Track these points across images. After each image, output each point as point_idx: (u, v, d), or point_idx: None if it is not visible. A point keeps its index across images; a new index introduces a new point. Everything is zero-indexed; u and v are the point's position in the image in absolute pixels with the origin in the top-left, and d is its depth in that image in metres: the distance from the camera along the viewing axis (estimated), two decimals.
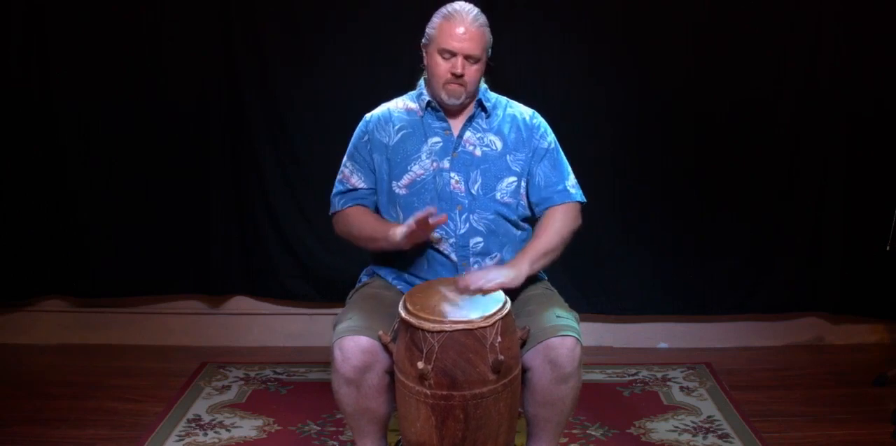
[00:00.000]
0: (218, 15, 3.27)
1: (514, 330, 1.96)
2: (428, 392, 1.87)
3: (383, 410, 2.08)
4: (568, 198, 2.30)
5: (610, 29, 3.27)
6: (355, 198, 2.32)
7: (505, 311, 1.91)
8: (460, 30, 2.16)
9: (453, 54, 2.18)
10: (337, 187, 2.35)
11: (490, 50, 2.25)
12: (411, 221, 2.05)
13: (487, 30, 2.22)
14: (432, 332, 1.85)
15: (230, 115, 3.35)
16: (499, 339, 1.86)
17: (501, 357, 1.85)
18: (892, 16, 3.20)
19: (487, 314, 1.89)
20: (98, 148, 3.37)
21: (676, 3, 3.26)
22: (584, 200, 2.34)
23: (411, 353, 1.89)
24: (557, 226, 2.24)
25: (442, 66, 2.19)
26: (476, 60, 2.20)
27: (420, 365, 1.84)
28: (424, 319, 1.87)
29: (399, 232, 2.09)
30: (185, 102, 3.33)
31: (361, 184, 2.31)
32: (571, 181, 2.34)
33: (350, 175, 2.32)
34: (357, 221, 2.28)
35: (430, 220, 2.05)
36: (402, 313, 1.92)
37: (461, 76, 2.18)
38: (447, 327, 1.84)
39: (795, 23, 3.24)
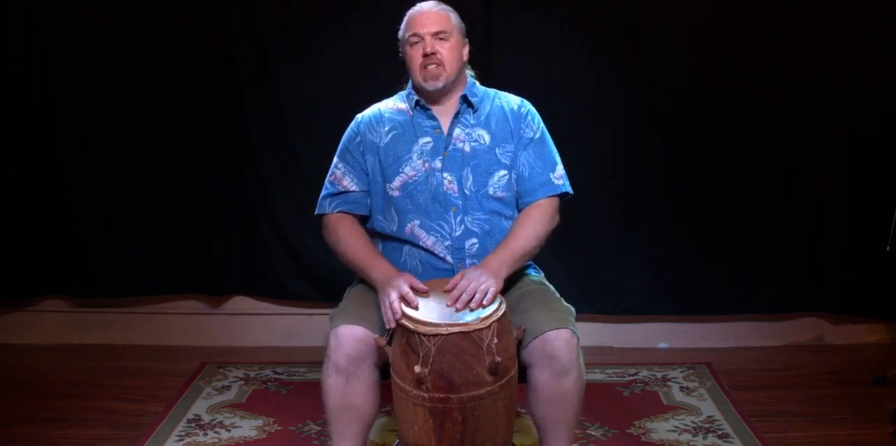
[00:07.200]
0: (218, 15, 3.28)
1: (509, 330, 1.96)
2: (425, 395, 1.86)
3: (368, 411, 2.04)
4: (552, 191, 2.25)
5: (610, 29, 3.27)
6: (347, 201, 2.28)
7: (500, 312, 1.91)
8: (420, 14, 2.22)
9: (420, 37, 2.19)
10: (327, 188, 2.31)
11: (465, 36, 2.28)
12: (405, 288, 1.99)
13: (453, 14, 2.26)
14: (428, 336, 1.84)
15: (230, 116, 3.36)
16: (495, 341, 1.85)
17: (498, 359, 1.84)
18: (892, 16, 3.20)
19: (483, 316, 1.88)
20: (98, 148, 3.37)
21: (677, 3, 3.25)
22: (571, 192, 2.29)
23: (408, 357, 1.87)
24: (536, 227, 2.20)
25: (414, 52, 2.21)
26: (445, 37, 2.20)
27: (417, 368, 1.83)
28: (420, 323, 1.87)
29: (390, 290, 2.00)
30: (185, 102, 3.33)
31: (353, 187, 2.28)
32: (558, 172, 2.27)
33: (342, 177, 2.29)
34: (346, 239, 2.22)
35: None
36: None
37: (433, 54, 2.18)
38: (443, 330, 1.83)
39: (795, 23, 3.24)
